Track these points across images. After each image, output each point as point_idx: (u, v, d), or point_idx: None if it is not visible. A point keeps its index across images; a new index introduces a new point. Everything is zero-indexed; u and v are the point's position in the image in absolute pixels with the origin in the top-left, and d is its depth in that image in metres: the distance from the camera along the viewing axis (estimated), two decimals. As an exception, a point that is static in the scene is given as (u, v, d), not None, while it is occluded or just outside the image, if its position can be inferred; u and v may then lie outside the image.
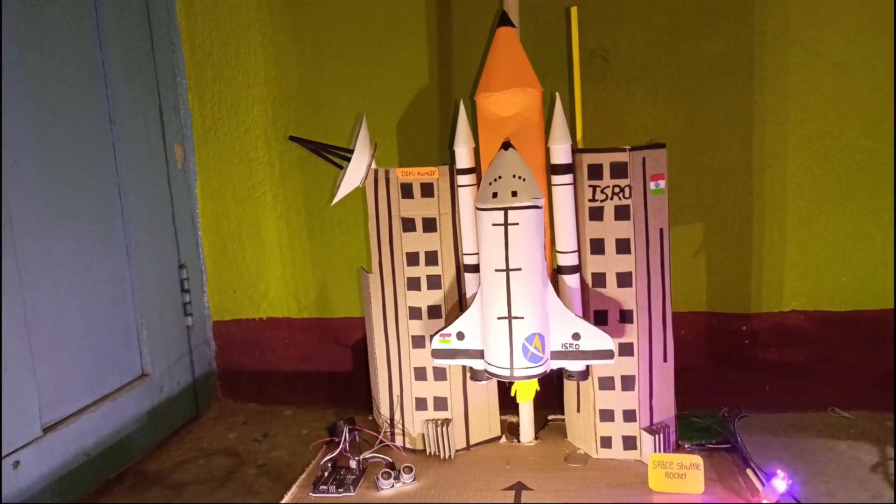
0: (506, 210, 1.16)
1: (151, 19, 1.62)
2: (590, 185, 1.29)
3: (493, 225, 1.17)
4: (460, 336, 1.27)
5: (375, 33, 1.61)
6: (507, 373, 1.21)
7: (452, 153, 1.31)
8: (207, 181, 1.75)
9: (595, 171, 1.29)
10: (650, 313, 1.32)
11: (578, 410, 1.39)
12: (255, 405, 1.79)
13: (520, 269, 1.17)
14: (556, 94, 1.25)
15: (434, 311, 1.38)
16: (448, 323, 1.29)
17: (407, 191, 1.37)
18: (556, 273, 1.30)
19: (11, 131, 1.23)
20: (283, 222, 1.72)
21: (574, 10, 1.30)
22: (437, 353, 1.28)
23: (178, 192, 1.70)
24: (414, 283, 1.39)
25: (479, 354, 1.26)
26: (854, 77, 1.46)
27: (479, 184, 1.26)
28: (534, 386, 1.30)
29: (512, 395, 1.33)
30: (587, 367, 1.28)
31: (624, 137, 1.51)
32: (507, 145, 1.20)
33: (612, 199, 1.29)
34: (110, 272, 1.48)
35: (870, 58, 1.45)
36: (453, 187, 1.34)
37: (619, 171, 1.28)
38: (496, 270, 1.18)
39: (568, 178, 1.26)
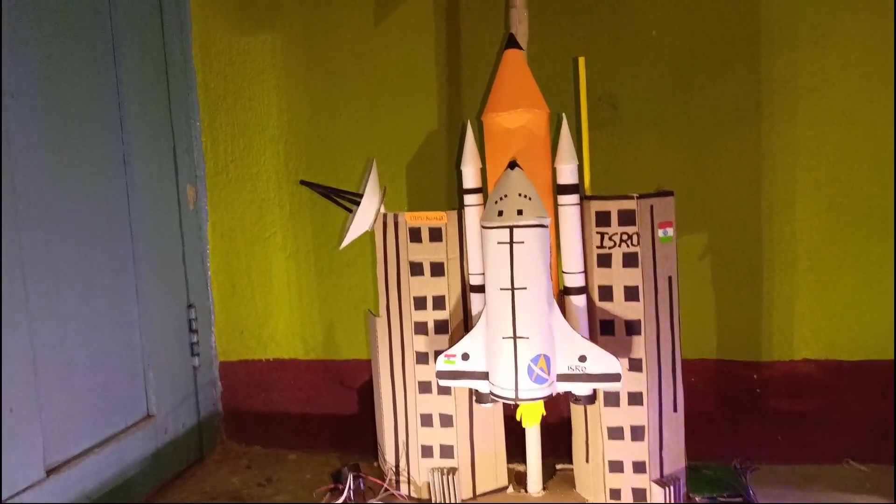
0: (511, 228, 1.16)
1: (168, 63, 1.65)
2: (598, 232, 1.29)
3: (499, 243, 1.17)
4: (465, 357, 1.25)
5: (387, 79, 1.63)
6: (511, 394, 1.19)
7: (459, 173, 1.32)
8: (218, 222, 1.76)
9: (603, 218, 1.29)
10: (659, 361, 1.31)
11: (587, 460, 1.37)
12: (259, 448, 1.77)
13: (525, 289, 1.16)
14: (563, 114, 1.26)
15: (441, 357, 1.37)
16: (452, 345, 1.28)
17: (415, 235, 1.37)
18: (562, 295, 1.29)
19: (25, 171, 1.24)
20: (292, 263, 1.73)
21: (581, 60, 1.32)
22: (441, 375, 1.27)
23: (189, 232, 1.72)
24: (421, 328, 1.38)
25: (484, 376, 1.24)
26: (862, 126, 1.46)
27: (485, 203, 1.26)
28: (540, 409, 1.28)
29: (517, 418, 1.31)
30: (594, 390, 1.26)
31: (632, 184, 1.51)
32: (513, 165, 1.21)
33: (619, 246, 1.29)
34: (119, 312, 1.49)
35: (877, 108, 1.45)
36: (461, 232, 1.35)
37: (626, 218, 1.28)
38: (501, 289, 1.17)
39: (574, 198, 1.26)
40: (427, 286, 1.37)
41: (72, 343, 1.35)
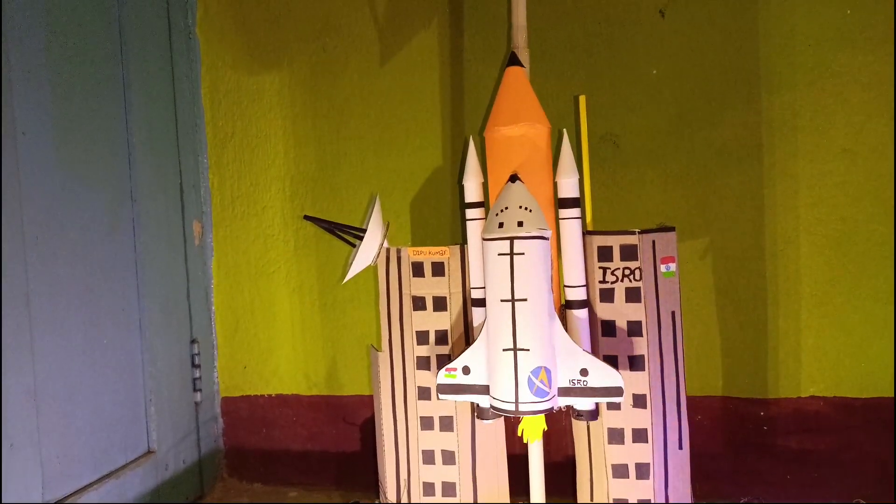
0: (511, 239, 1.16)
1: (177, 101, 1.69)
2: (600, 267, 1.30)
3: (499, 255, 1.17)
4: (466, 370, 1.24)
5: (391, 117, 1.66)
6: (512, 407, 1.17)
7: (461, 187, 1.33)
8: (223, 257, 1.78)
9: (605, 253, 1.30)
10: (664, 398, 1.30)
11: (591, 498, 1.34)
12: (260, 485, 1.75)
13: (525, 300, 1.16)
14: (564, 130, 1.27)
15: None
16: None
17: (418, 270, 1.38)
18: (564, 309, 1.28)
19: (35, 207, 1.26)
20: (295, 298, 1.74)
21: (582, 99, 1.34)
22: (442, 389, 1.26)
23: (194, 267, 1.73)
24: (423, 363, 1.38)
25: (485, 390, 1.23)
26: (863, 163, 1.47)
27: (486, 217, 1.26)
28: (541, 424, 1.26)
29: (519, 434, 1.29)
30: (596, 405, 1.24)
31: (634, 220, 1.52)
32: (514, 178, 1.21)
33: (622, 281, 1.29)
34: (123, 347, 1.49)
35: (877, 144, 1.46)
36: (464, 267, 1.35)
37: (629, 253, 1.29)
38: (501, 301, 1.17)
39: (576, 212, 1.26)
40: (429, 321, 1.37)
41: (74, 378, 1.35)
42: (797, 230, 1.51)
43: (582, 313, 1.27)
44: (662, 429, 1.29)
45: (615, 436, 1.29)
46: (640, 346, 1.29)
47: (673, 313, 1.30)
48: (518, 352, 1.16)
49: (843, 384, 1.51)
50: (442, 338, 1.37)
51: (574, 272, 1.27)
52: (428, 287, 1.37)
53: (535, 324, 1.16)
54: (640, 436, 1.28)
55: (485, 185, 1.30)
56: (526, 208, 1.18)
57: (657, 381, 1.30)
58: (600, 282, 1.30)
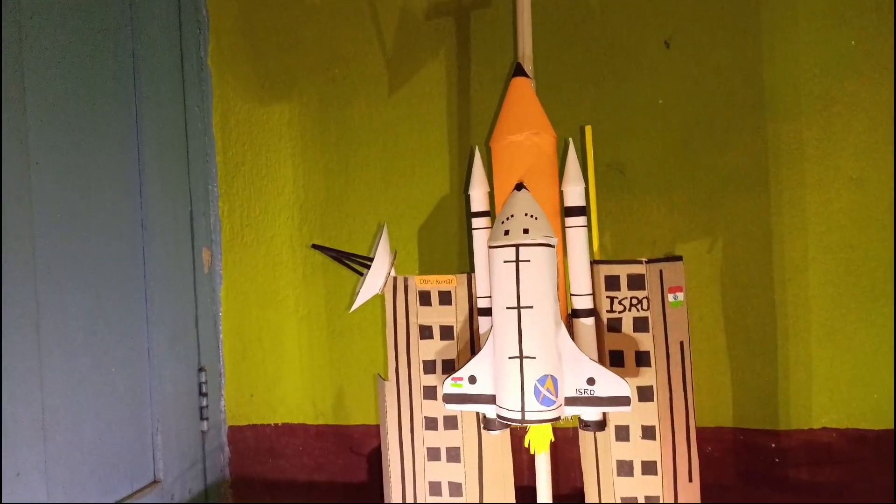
0: (517, 247, 1.16)
1: (188, 132, 1.71)
2: (607, 297, 1.29)
3: (505, 262, 1.17)
4: (472, 380, 1.23)
5: (399, 146, 1.67)
6: (518, 416, 1.16)
7: (468, 197, 1.33)
8: (232, 285, 1.78)
9: (612, 283, 1.29)
10: (673, 429, 1.28)
11: (600, 532, 1.33)
12: (266, 515, 1.74)
13: (531, 308, 1.15)
14: (570, 139, 1.28)
15: (450, 422, 1.36)
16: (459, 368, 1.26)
17: (425, 298, 1.38)
18: (570, 318, 1.27)
19: (46, 234, 1.28)
20: (303, 325, 1.74)
21: (588, 129, 1.35)
22: (448, 398, 1.25)
23: (203, 295, 1.74)
24: (430, 392, 1.37)
25: (492, 400, 1.22)
26: (871, 192, 1.47)
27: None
28: (548, 435, 1.25)
29: (525, 445, 1.27)
30: (603, 415, 1.23)
31: (641, 249, 1.52)
32: (520, 186, 1.21)
33: (630, 310, 1.29)
34: (130, 375, 1.49)
35: (884, 174, 1.46)
36: (471, 295, 1.35)
37: (636, 282, 1.29)
38: (507, 308, 1.16)
39: (582, 220, 1.27)
40: (437, 350, 1.37)
41: (82, 407, 1.35)
42: (806, 258, 1.50)
43: (589, 322, 1.26)
44: (672, 461, 1.27)
45: (624, 468, 1.28)
46: (649, 376, 1.28)
47: (681, 343, 1.30)
48: (524, 360, 1.15)
49: (855, 415, 1.49)
50: (449, 367, 1.36)
51: (580, 280, 1.27)
52: (435, 316, 1.37)
53: (541, 331, 1.16)
54: (649, 468, 1.26)
55: (491, 195, 1.31)
56: (532, 216, 1.18)
57: (666, 412, 1.28)
58: (608, 311, 1.29)
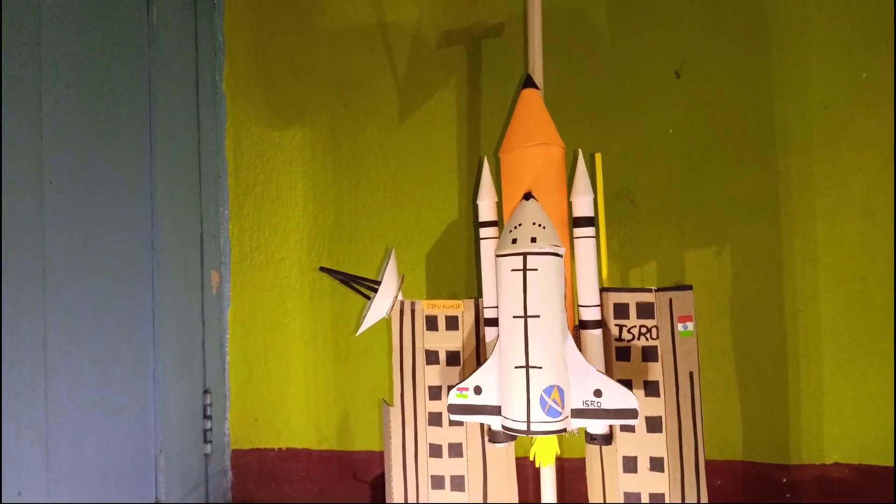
0: (524, 255, 1.15)
1: (201, 154, 1.73)
2: (616, 325, 1.28)
3: (512, 270, 1.16)
4: (477, 390, 1.21)
5: (409, 171, 1.69)
6: (523, 427, 1.14)
7: (476, 207, 1.33)
8: (239, 307, 1.79)
9: (621, 311, 1.29)
10: (682, 461, 1.26)
11: (606, 566, 1.30)
12: (267, 542, 1.72)
13: (538, 317, 1.14)
14: (580, 150, 1.28)
15: (455, 450, 1.34)
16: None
17: (432, 323, 1.37)
18: (578, 329, 1.26)
19: (57, 255, 1.29)
20: (309, 349, 1.73)
21: (598, 157, 1.36)
22: (453, 409, 1.23)
23: (211, 317, 1.74)
24: (435, 419, 1.36)
25: (497, 411, 1.20)
26: (881, 223, 1.46)
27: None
28: (554, 447, 1.23)
29: (531, 458, 1.25)
30: (610, 428, 1.21)
31: (650, 278, 1.52)
32: (528, 196, 1.21)
33: (638, 339, 1.28)
34: (135, 397, 1.49)
35: (894, 205, 1.46)
36: (478, 321, 1.35)
37: (645, 311, 1.28)
38: (514, 317, 1.15)
39: (590, 230, 1.25)
40: (442, 375, 1.36)
41: (86, 427, 1.34)
42: (816, 289, 1.49)
43: (596, 333, 1.24)
44: (680, 493, 1.25)
45: (632, 500, 1.26)
46: (658, 406, 1.26)
47: (691, 374, 1.28)
48: (530, 369, 1.13)
49: (868, 451, 1.46)
50: (455, 393, 1.35)
51: (588, 291, 1.25)
52: (442, 341, 1.36)
53: (548, 341, 1.14)
54: (657, 500, 1.24)
55: (499, 205, 1.31)
56: (539, 225, 1.17)
57: (675, 443, 1.26)
58: (616, 339, 1.28)
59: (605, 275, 1.36)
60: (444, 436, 1.35)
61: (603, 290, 1.30)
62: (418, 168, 1.68)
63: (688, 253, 1.54)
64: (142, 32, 1.54)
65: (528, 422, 1.14)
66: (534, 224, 1.18)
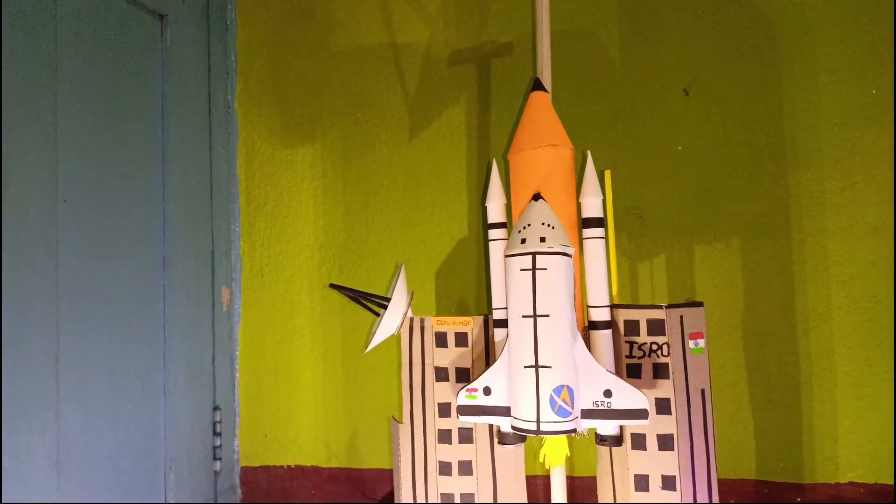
0: (534, 255, 1.15)
1: (213, 171, 1.75)
2: (627, 341, 1.28)
3: (521, 270, 1.15)
4: (487, 391, 1.20)
5: (419, 188, 1.69)
6: (533, 426, 1.13)
7: (485, 209, 1.33)
8: (249, 323, 1.79)
9: (632, 328, 1.28)
10: (694, 480, 1.25)
11: (618, 587, 1.28)
12: (275, 560, 1.70)
13: (547, 316, 1.13)
14: (589, 151, 1.28)
15: (464, 467, 1.33)
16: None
17: (441, 340, 1.37)
18: (587, 331, 1.25)
19: (71, 271, 1.30)
20: (319, 365, 1.73)
21: (608, 174, 1.36)
22: (462, 410, 1.22)
23: (221, 334, 1.74)
24: (445, 436, 1.35)
25: (507, 412, 1.19)
26: (893, 241, 1.45)
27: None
28: (564, 448, 1.22)
29: (541, 460, 1.24)
30: (620, 429, 1.19)
31: (661, 294, 1.51)
32: (537, 197, 1.21)
33: (649, 356, 1.27)
34: (146, 413, 1.49)
35: (908, 223, 1.45)
36: (488, 338, 1.34)
37: (656, 328, 1.27)
38: (523, 317, 1.15)
39: (599, 231, 1.25)
40: (452, 393, 1.36)
41: (96, 443, 1.35)
42: (829, 307, 1.48)
43: (606, 334, 1.24)
44: (693, 513, 1.24)
45: (643, 519, 1.24)
46: (669, 425, 1.25)
47: (703, 391, 1.27)
48: (539, 369, 1.13)
49: (883, 470, 1.44)
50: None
51: (598, 292, 1.25)
52: (451, 358, 1.36)
53: (558, 341, 1.14)
54: (669, 520, 1.23)
55: (507, 207, 1.31)
56: (549, 225, 1.17)
57: (687, 462, 1.25)
58: (627, 356, 1.27)
59: (615, 291, 1.36)
60: (453, 453, 1.34)
61: (613, 306, 1.29)
62: (428, 185, 1.69)
63: (699, 269, 1.53)
64: (155, 53, 1.56)
65: (538, 421, 1.13)
66: (543, 224, 1.18)
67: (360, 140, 1.73)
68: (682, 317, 1.27)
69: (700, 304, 1.29)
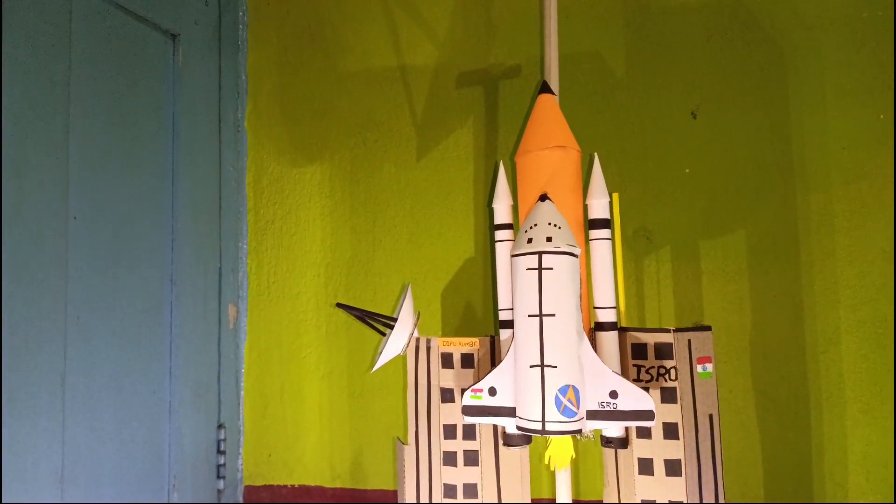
0: (540, 254, 1.15)
1: (222, 190, 1.76)
2: (634, 365, 1.27)
3: (527, 269, 1.15)
4: (492, 392, 1.20)
5: (426, 208, 1.70)
6: (538, 426, 1.12)
7: (491, 210, 1.33)
8: (255, 341, 1.79)
9: (639, 351, 1.27)
10: (702, 506, 1.23)
11: None
12: (278, 581, 1.69)
13: (553, 315, 1.13)
14: (595, 153, 1.28)
15: (470, 490, 1.32)
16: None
17: (447, 360, 1.37)
18: (594, 332, 1.25)
19: (78, 286, 1.30)
20: (324, 384, 1.73)
21: (615, 196, 1.36)
22: (467, 410, 1.21)
23: (227, 351, 1.74)
24: (450, 458, 1.34)
25: (512, 412, 1.18)
26: (904, 265, 1.45)
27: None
28: (569, 450, 1.20)
29: (545, 462, 1.22)
30: (626, 431, 1.19)
31: (668, 318, 1.50)
32: (543, 197, 1.21)
33: (657, 380, 1.26)
34: (151, 430, 1.49)
35: (918, 247, 1.44)
36: (493, 356, 1.34)
37: (664, 352, 1.26)
38: (529, 316, 1.14)
39: (606, 232, 1.25)
40: (458, 414, 1.35)
41: (101, 461, 1.34)
42: (838, 331, 1.47)
43: (612, 335, 1.24)
44: (701, 540, 1.22)
45: (650, 545, 1.23)
46: (677, 449, 1.24)
47: (711, 416, 1.26)
48: (545, 368, 1.13)
49: (893, 495, 1.42)
50: (470, 432, 1.34)
51: (604, 293, 1.25)
52: (457, 379, 1.36)
53: (563, 340, 1.14)
54: (676, 546, 1.21)
55: (514, 208, 1.31)
56: (555, 225, 1.18)
57: (694, 486, 1.24)
58: (634, 380, 1.27)
59: (622, 313, 1.35)
60: (459, 476, 1.33)
61: (620, 329, 1.29)
62: (435, 205, 1.69)
63: (706, 292, 1.52)
64: (167, 72, 1.58)
65: (543, 421, 1.13)
66: (549, 224, 1.18)
67: (368, 160, 1.74)
68: (690, 341, 1.27)
69: (708, 329, 1.28)
